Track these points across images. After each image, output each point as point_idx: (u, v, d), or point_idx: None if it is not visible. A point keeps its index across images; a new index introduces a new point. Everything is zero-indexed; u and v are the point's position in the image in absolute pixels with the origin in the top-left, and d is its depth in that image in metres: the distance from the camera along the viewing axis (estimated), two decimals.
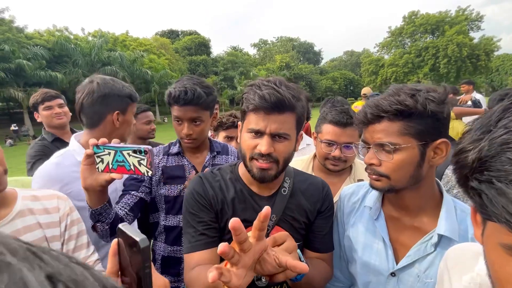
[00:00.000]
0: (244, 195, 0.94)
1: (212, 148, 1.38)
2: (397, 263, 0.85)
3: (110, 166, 0.87)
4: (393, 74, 39.02)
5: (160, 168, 1.30)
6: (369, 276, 0.92)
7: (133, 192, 1.22)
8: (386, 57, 44.61)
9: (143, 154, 0.84)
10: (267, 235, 0.89)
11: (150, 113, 2.38)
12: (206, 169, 1.17)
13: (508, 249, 0.33)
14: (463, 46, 33.95)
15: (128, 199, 1.21)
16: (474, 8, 48.08)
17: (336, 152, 1.27)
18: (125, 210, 1.17)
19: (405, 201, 0.85)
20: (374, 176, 0.82)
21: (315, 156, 1.47)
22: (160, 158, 1.33)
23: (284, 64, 47.35)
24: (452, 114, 2.37)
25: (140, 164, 0.86)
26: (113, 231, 1.08)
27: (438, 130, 0.77)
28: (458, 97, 4.04)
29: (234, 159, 1.40)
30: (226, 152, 1.42)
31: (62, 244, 1.03)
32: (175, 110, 1.22)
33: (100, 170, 0.88)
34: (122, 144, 0.89)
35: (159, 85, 26.84)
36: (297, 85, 0.87)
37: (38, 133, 18.26)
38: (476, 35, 37.83)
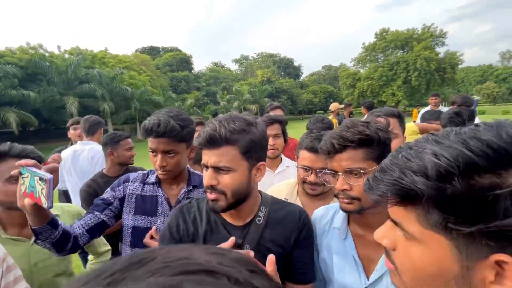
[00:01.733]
0: (218, 225, 0.96)
1: (190, 181, 1.35)
2: (368, 279, 0.91)
3: (27, 190, 0.85)
4: (369, 87, 40.88)
5: (134, 196, 1.28)
6: None
7: (96, 213, 1.22)
8: (362, 71, 46.88)
9: (43, 182, 0.82)
10: None
11: (130, 140, 2.37)
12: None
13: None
14: (430, 60, 36.42)
15: (90, 218, 1.21)
16: (438, 25, 52.28)
17: (311, 177, 1.32)
18: (83, 229, 1.17)
19: (368, 218, 0.93)
20: (346, 200, 0.90)
21: None
22: (135, 185, 1.31)
23: (266, 79, 48.36)
24: (416, 129, 2.62)
25: (42, 193, 0.83)
26: (60, 249, 1.07)
27: (388, 153, 0.87)
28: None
29: None
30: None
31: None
32: (150, 142, 1.21)
33: (21, 193, 0.87)
34: (35, 170, 0.86)
35: (139, 102, 26.39)
36: (252, 118, 0.92)
37: None
38: (441, 50, 40.91)
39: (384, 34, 43.39)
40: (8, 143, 1.25)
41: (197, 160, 1.83)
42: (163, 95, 29.84)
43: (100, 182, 2.10)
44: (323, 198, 1.40)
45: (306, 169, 1.34)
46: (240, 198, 0.91)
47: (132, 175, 1.35)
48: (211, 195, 0.88)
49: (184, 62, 50.55)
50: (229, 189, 0.87)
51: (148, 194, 1.30)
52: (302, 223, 1.00)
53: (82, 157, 2.79)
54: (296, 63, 72.49)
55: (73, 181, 2.78)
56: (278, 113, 2.78)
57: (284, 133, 1.97)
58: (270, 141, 1.83)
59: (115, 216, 1.27)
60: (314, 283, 1.02)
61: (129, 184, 1.31)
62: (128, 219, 1.27)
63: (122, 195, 1.28)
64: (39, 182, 0.83)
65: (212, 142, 0.85)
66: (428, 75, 37.01)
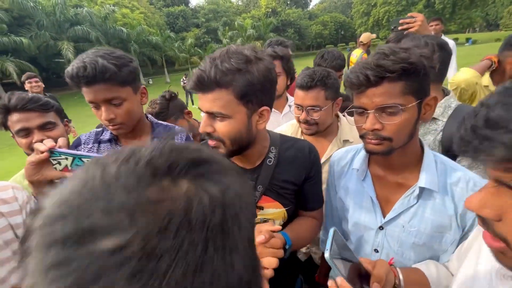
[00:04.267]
0: None
1: (154, 133, 1.19)
2: (384, 217, 0.90)
3: (69, 167, 0.92)
4: (385, 14, 36.86)
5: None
6: (360, 231, 0.98)
7: None
8: None
9: None
10: (256, 204, 0.95)
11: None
12: None
13: None
14: None
15: None
16: None
17: (302, 116, 1.26)
18: None
19: (392, 159, 0.86)
20: (375, 141, 0.79)
21: None
22: (89, 146, 1.15)
23: (270, 10, 43.84)
24: (476, 76, 1.75)
25: None
26: None
27: (428, 87, 0.77)
28: None
29: (182, 141, 1.24)
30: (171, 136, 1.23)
31: None
32: (84, 93, 0.99)
33: (58, 170, 0.93)
34: (80, 152, 0.93)
35: (137, 44, 24.93)
36: (253, 53, 0.76)
37: None
38: None
39: None
40: (7, 94, 1.16)
41: (178, 114, 1.67)
42: (161, 34, 27.88)
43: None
44: (324, 136, 1.36)
45: (298, 107, 1.27)
46: (242, 146, 0.84)
47: (84, 136, 1.19)
48: (211, 142, 0.82)
49: None
50: (226, 137, 0.80)
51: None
52: (312, 159, 0.99)
53: None
54: None
55: None
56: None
57: (287, 71, 1.77)
58: None
59: None
60: (322, 208, 1.08)
61: (82, 147, 1.16)
62: None
63: None
64: None
65: (202, 85, 0.74)
66: None
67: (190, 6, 46.40)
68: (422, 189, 0.84)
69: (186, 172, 0.24)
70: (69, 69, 0.95)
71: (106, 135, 1.16)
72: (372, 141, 0.79)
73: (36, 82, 3.52)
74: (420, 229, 0.85)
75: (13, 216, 1.05)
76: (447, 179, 0.84)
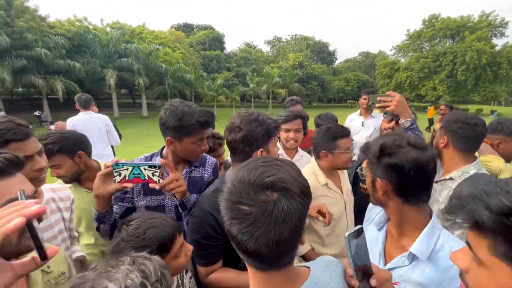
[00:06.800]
0: None
1: (191, 162, 1.45)
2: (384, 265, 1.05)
3: (127, 178, 1.08)
4: (407, 79, 38.12)
5: None
6: None
7: (119, 203, 1.40)
8: (402, 60, 43.69)
9: (157, 168, 1.05)
10: None
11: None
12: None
13: None
14: (482, 53, 32.74)
15: (116, 208, 1.39)
16: (499, 13, 46.00)
17: None
18: (116, 217, 1.34)
19: (396, 225, 1.05)
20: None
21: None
22: None
23: (297, 63, 47.02)
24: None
25: (153, 175, 1.06)
26: (112, 232, 1.27)
27: (383, 173, 1.01)
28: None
29: (210, 170, 1.49)
30: (203, 164, 1.50)
31: (70, 222, 1.39)
32: None
33: (116, 182, 1.09)
34: (138, 162, 1.11)
35: (172, 79, 27.25)
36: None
37: (56, 119, 18.68)
38: (499, 42, 36.64)
39: (433, 20, 39.50)
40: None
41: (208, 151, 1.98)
42: (195, 73, 30.42)
43: None
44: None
45: None
46: None
47: (139, 159, 1.46)
48: None
49: (217, 41, 50.54)
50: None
51: None
52: None
53: (92, 124, 3.65)
54: (331, 48, 69.32)
55: None
56: (298, 108, 2.92)
57: (304, 127, 2.18)
58: (291, 134, 2.14)
59: (132, 201, 1.42)
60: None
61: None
62: (140, 201, 1.40)
63: None
64: (149, 169, 1.05)
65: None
66: (479, 69, 33.44)
67: (225, 52, 50.99)
68: (413, 254, 0.95)
69: (278, 189, 0.52)
70: None
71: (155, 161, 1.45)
72: None
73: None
74: None
75: (66, 211, 1.34)
76: (445, 260, 0.90)
